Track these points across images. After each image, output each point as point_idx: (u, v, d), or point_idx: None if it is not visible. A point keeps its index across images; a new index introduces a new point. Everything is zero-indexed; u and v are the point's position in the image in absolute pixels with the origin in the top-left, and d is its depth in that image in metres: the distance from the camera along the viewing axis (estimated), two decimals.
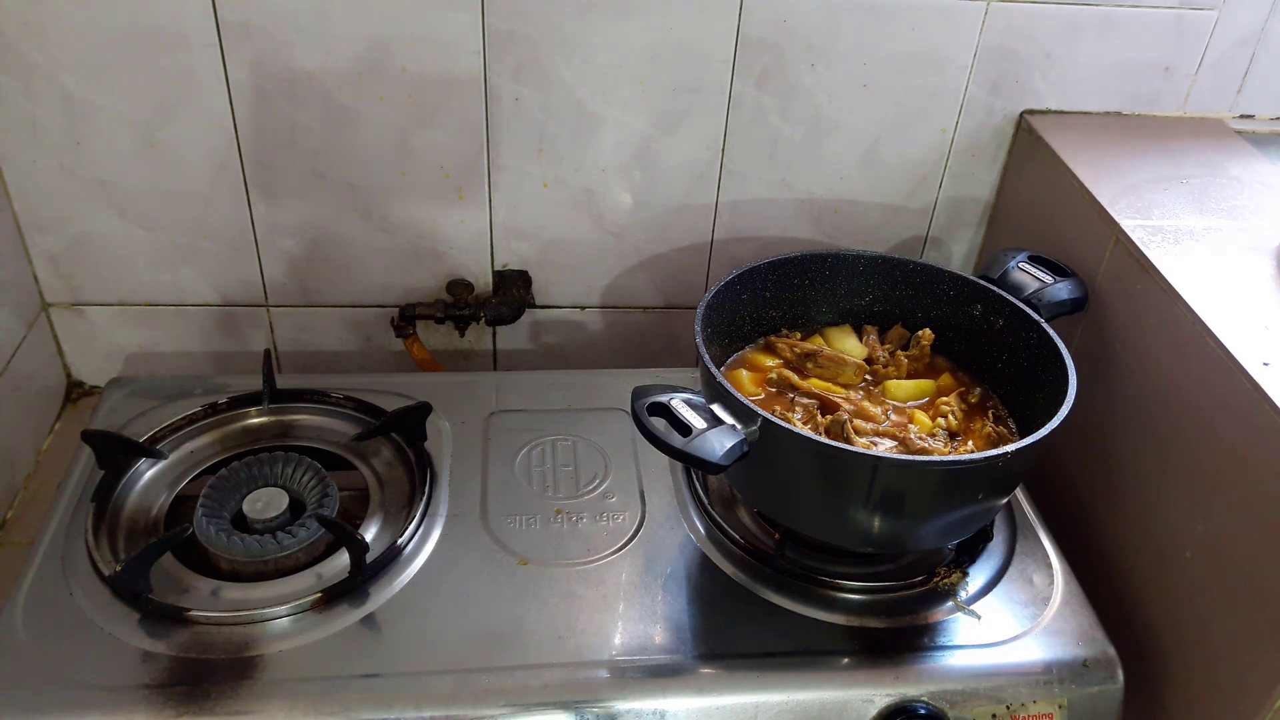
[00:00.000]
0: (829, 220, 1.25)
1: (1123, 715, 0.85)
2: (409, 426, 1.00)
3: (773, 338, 1.03)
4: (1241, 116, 1.23)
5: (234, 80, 1.07)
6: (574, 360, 1.33)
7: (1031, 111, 1.19)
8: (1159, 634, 0.91)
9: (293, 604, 0.83)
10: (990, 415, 0.95)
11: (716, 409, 0.78)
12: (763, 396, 0.96)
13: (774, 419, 0.78)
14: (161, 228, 1.17)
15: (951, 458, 0.85)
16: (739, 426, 0.77)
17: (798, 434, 0.79)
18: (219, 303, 1.24)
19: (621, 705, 0.78)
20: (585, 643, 0.82)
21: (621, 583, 0.88)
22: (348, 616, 0.83)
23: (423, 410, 1.00)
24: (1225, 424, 0.82)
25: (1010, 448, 0.79)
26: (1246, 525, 0.80)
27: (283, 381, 1.06)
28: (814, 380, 0.97)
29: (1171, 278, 0.90)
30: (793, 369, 0.99)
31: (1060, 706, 0.83)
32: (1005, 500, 0.94)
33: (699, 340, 0.88)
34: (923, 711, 0.80)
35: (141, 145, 1.10)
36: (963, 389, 0.98)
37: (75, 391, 1.29)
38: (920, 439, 0.90)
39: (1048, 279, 0.99)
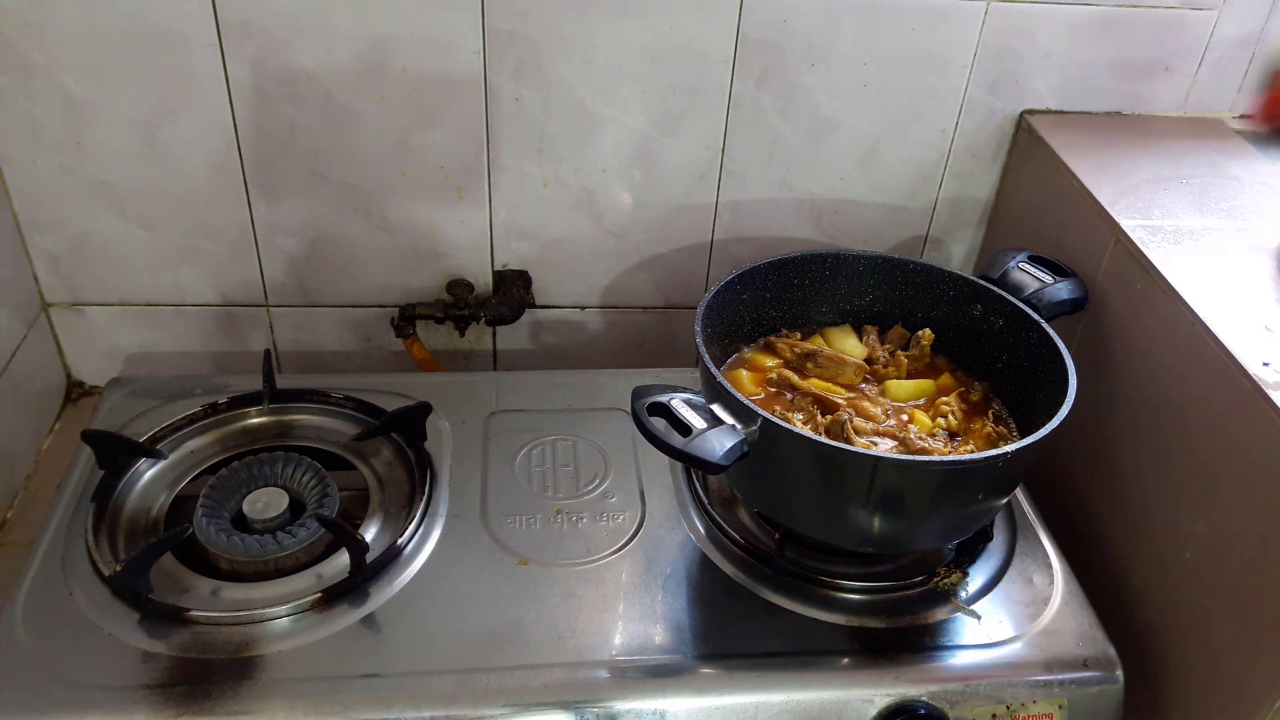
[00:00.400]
0: (829, 220, 1.25)
1: (1123, 715, 0.85)
2: (409, 426, 1.00)
3: (773, 338, 1.03)
4: (1241, 116, 1.23)
5: (234, 80, 1.07)
6: (574, 360, 1.33)
7: (1031, 111, 1.19)
8: (1159, 634, 0.91)
9: (293, 604, 0.83)
10: (990, 415, 0.95)
11: (716, 409, 0.78)
12: (763, 396, 0.96)
13: (774, 419, 0.78)
14: (161, 228, 1.17)
15: (951, 458, 0.85)
16: (739, 426, 0.77)
17: (798, 434, 0.79)
18: (219, 303, 1.24)
19: (621, 705, 0.78)
20: (585, 643, 0.82)
21: (621, 583, 0.88)
22: (348, 616, 0.83)
23: (423, 410, 1.00)
24: (1225, 424, 0.82)
25: (1010, 448, 0.79)
26: (1247, 525, 0.80)
27: (283, 381, 1.06)
28: (814, 380, 0.97)
29: (1171, 278, 0.90)
30: (793, 369, 0.99)
31: (1060, 706, 0.82)
32: (1005, 500, 0.94)
33: (699, 340, 0.88)
34: (923, 711, 0.80)
35: (141, 145, 1.10)
36: (963, 389, 0.98)
37: (75, 391, 1.29)
38: (920, 439, 0.90)
39: (1048, 279, 0.99)
